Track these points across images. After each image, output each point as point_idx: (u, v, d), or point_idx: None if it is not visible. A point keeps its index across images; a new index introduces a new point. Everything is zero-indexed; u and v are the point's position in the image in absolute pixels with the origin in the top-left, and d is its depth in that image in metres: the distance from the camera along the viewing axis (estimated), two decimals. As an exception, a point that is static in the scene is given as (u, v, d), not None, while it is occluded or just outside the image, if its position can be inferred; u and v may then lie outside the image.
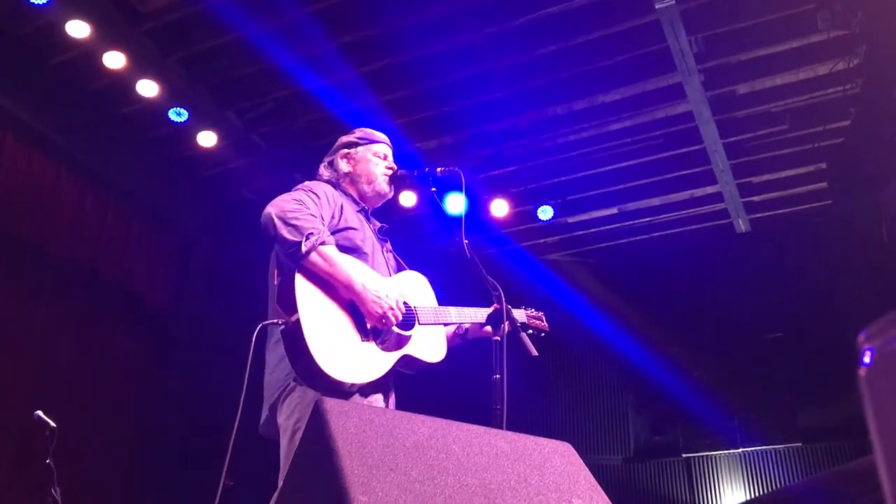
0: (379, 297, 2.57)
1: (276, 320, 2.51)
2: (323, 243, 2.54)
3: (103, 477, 5.95)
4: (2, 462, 5.24)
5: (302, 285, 2.51)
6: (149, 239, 6.82)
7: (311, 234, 2.53)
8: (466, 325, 2.99)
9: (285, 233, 2.53)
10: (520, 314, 3.11)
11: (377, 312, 2.56)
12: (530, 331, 3.10)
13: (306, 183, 2.92)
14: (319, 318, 2.49)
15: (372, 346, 2.59)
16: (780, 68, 5.73)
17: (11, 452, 5.22)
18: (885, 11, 4.92)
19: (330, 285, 2.56)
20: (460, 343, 3.04)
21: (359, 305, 2.58)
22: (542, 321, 3.26)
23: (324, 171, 3.10)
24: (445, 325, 2.90)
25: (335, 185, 3.02)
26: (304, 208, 2.63)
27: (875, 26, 5.05)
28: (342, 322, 2.55)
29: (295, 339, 2.42)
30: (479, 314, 2.92)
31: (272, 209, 2.60)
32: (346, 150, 3.10)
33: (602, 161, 6.79)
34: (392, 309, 2.59)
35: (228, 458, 2.32)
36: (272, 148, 6.76)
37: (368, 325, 2.59)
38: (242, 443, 2.35)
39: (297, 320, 2.43)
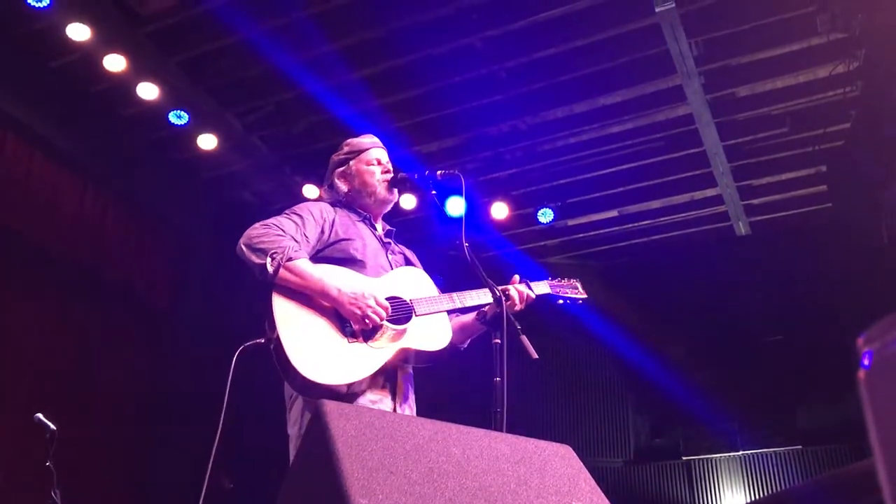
0: (356, 298, 2.60)
1: (258, 339, 2.60)
2: (290, 259, 2.59)
3: (104, 479, 5.95)
4: (2, 464, 5.24)
5: (278, 302, 2.57)
6: (149, 241, 6.82)
7: (276, 252, 2.59)
8: (485, 309, 2.86)
9: (253, 258, 2.61)
10: (541, 286, 3.06)
11: (356, 313, 2.59)
12: (560, 301, 3.06)
13: (296, 206, 2.95)
14: (298, 329, 2.54)
15: (360, 346, 2.60)
16: (780, 71, 5.74)
17: (11, 455, 5.22)
18: (885, 14, 4.93)
19: (307, 297, 2.61)
20: (485, 329, 2.87)
21: (339, 309, 2.61)
22: (578, 288, 3.16)
23: (324, 195, 3.17)
24: (449, 312, 2.88)
25: (338, 203, 3.05)
26: (272, 230, 2.69)
27: (874, 29, 5.05)
28: (325, 329, 2.59)
29: (279, 355, 2.49)
30: (483, 296, 2.85)
31: (241, 239, 2.68)
32: (339, 170, 3.12)
33: (602, 164, 6.80)
34: (371, 307, 2.61)
35: (211, 464, 2.35)
36: (272, 150, 6.77)
37: (354, 327, 2.61)
38: (248, 449, 2.37)
39: (277, 336, 2.50)
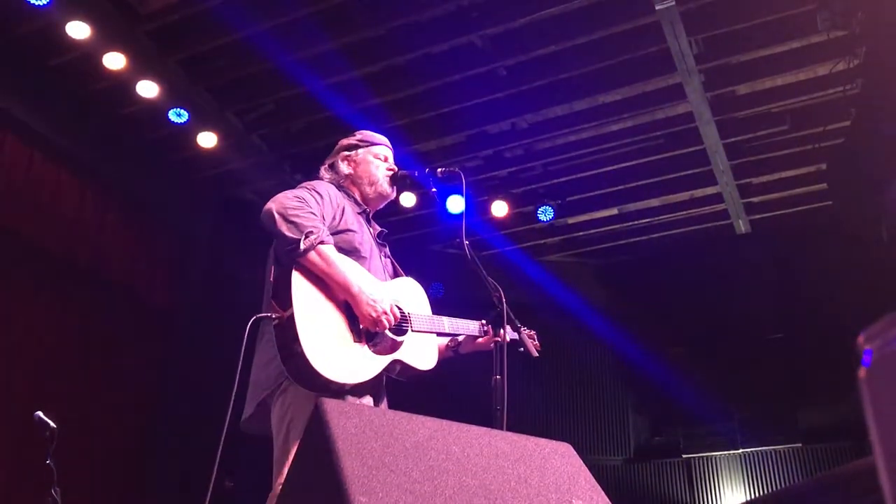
0: (374, 301, 2.57)
1: (269, 314, 2.50)
2: (322, 242, 2.54)
3: (104, 478, 5.95)
4: (2, 463, 5.24)
5: (298, 282, 2.51)
6: (149, 239, 6.81)
7: (311, 232, 2.52)
8: (459, 339, 2.99)
9: (284, 229, 2.52)
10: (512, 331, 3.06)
11: (371, 315, 2.55)
12: (521, 349, 3.00)
13: (311, 182, 2.90)
14: (313, 315, 2.48)
15: (363, 348, 2.58)
16: (781, 69, 5.73)
17: (11, 453, 5.22)
18: (885, 12, 4.92)
19: (326, 285, 2.56)
20: (452, 357, 3.03)
21: (353, 307, 2.57)
22: (535, 340, 3.13)
23: (324, 173, 3.08)
24: (438, 334, 2.89)
25: (337, 186, 3.00)
26: (306, 206, 2.62)
27: (875, 27, 5.05)
28: (336, 321, 2.55)
29: (287, 335, 2.42)
30: (471, 326, 2.93)
31: (273, 205, 2.59)
32: (346, 153, 3.09)
33: (602, 162, 6.80)
34: (386, 313, 2.58)
35: (220, 454, 2.32)
36: (272, 149, 6.77)
37: (362, 328, 2.58)
38: (240, 443, 2.35)
39: (292, 315, 2.43)
